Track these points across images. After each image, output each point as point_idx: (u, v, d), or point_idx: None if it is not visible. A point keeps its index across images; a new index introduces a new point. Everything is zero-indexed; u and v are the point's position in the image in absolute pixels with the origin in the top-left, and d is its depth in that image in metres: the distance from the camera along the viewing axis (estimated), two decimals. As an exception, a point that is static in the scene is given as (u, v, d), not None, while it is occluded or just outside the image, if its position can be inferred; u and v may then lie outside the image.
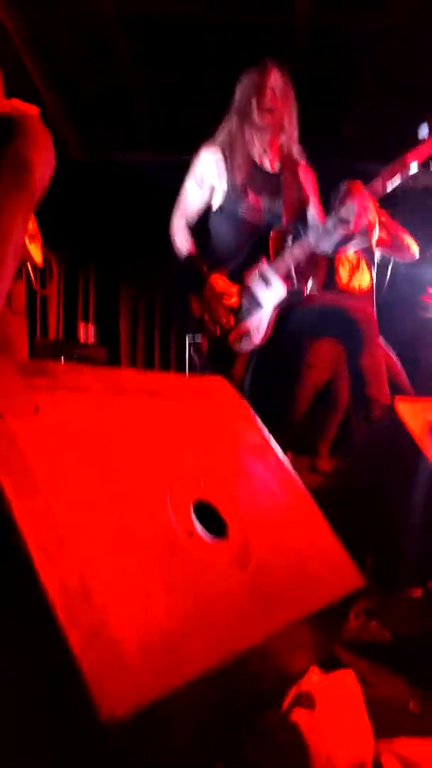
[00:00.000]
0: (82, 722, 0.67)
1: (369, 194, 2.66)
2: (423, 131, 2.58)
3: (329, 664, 1.16)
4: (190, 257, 2.96)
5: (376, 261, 4.05)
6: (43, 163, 1.56)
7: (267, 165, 2.95)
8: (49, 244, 2.22)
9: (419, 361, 4.24)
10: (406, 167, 2.57)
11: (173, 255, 3.07)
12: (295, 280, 2.86)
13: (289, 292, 2.81)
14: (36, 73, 4.78)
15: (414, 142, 2.58)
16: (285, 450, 1.39)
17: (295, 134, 2.92)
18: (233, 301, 2.84)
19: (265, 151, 2.91)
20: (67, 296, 6.76)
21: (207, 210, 3.04)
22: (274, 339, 2.86)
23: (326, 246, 2.87)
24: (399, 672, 1.25)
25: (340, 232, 2.76)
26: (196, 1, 4.21)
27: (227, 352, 2.92)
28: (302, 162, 3.00)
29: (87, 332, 6.51)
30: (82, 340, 6.38)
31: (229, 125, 2.91)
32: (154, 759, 0.76)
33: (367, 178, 2.71)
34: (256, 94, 2.80)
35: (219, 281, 2.85)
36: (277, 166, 2.96)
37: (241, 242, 2.92)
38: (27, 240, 1.88)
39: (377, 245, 4.02)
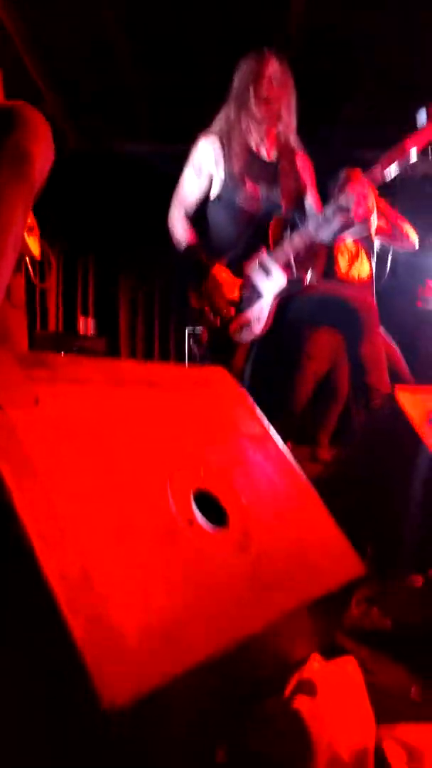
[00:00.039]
0: (83, 710, 0.68)
1: (368, 181, 2.64)
2: (421, 118, 2.56)
3: (330, 651, 1.17)
4: (190, 247, 2.95)
5: (375, 250, 4.05)
6: (42, 155, 1.55)
7: (264, 154, 2.94)
8: (47, 237, 2.22)
9: (419, 351, 4.25)
10: (406, 154, 2.55)
11: (172, 246, 3.06)
12: (294, 270, 2.86)
13: (289, 282, 2.81)
14: (34, 66, 4.77)
15: (413, 128, 2.56)
16: (285, 440, 1.39)
17: (293, 123, 2.90)
18: (234, 291, 2.83)
19: (262, 140, 2.91)
20: (66, 289, 6.75)
21: (205, 200, 3.03)
22: (275, 329, 2.86)
23: (326, 234, 2.86)
24: (400, 659, 1.26)
25: (339, 220, 2.75)
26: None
27: (227, 342, 2.91)
28: (300, 151, 2.99)
29: (87, 325, 6.51)
30: (81, 333, 6.38)
31: (226, 113, 2.90)
32: (154, 746, 0.77)
33: (365, 167, 2.72)
34: (253, 83, 2.79)
35: (221, 272, 2.84)
36: (274, 154, 2.96)
37: (239, 232, 2.92)
38: (25, 233, 1.88)
39: (376, 234, 4.02)
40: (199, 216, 3.06)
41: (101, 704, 0.65)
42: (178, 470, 1.02)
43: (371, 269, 4.01)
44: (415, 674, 1.21)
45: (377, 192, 3.21)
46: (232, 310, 2.85)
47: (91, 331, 6.46)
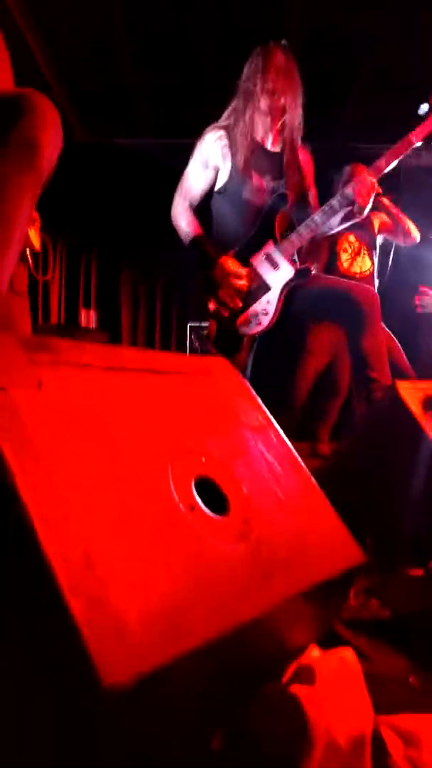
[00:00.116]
0: (83, 690, 0.68)
1: (372, 173, 2.71)
2: (423, 109, 2.63)
3: (329, 641, 1.17)
4: (196, 239, 2.93)
5: (377, 246, 4.06)
6: (51, 143, 1.54)
7: (270, 146, 2.95)
8: (51, 229, 2.22)
9: (420, 346, 4.25)
10: (410, 147, 2.64)
11: (176, 239, 3.05)
12: (302, 261, 2.88)
13: (297, 273, 2.81)
14: (41, 58, 4.78)
15: (416, 121, 2.64)
16: (285, 435, 1.39)
17: (299, 117, 2.91)
18: (242, 283, 2.82)
19: (267, 132, 2.93)
20: (68, 282, 6.75)
21: (209, 193, 3.03)
22: (278, 321, 2.86)
23: (332, 226, 2.87)
24: (399, 649, 1.26)
25: (344, 212, 2.78)
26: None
27: (234, 336, 2.90)
28: (302, 145, 3.00)
29: (88, 318, 6.51)
30: (83, 325, 6.38)
31: (234, 106, 2.92)
32: (154, 727, 0.77)
33: (367, 163, 2.79)
34: (260, 75, 2.82)
35: (229, 263, 2.83)
36: (278, 147, 2.97)
37: (245, 225, 2.91)
38: None
39: (379, 230, 4.03)
40: (201, 210, 3.05)
41: (101, 684, 0.66)
42: (180, 456, 1.02)
43: (373, 265, 4.02)
44: (414, 663, 1.21)
45: (381, 189, 3.27)
46: (239, 301, 2.84)
47: (92, 323, 6.47)
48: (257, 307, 2.85)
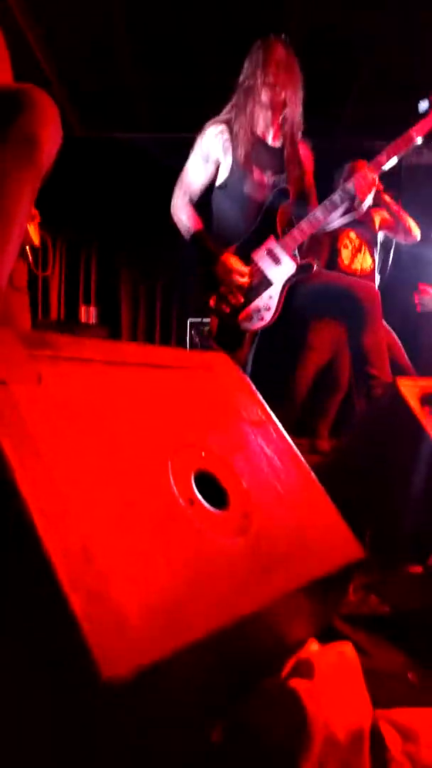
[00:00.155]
0: (83, 683, 0.68)
1: (373, 168, 2.73)
2: (423, 106, 2.67)
3: (328, 635, 1.17)
4: (196, 234, 2.92)
5: (378, 243, 4.06)
6: (50, 138, 1.54)
7: (270, 140, 2.95)
8: (51, 225, 2.22)
9: (421, 344, 4.26)
10: (411, 143, 2.67)
11: (176, 235, 3.05)
12: (303, 257, 2.88)
13: (298, 269, 2.81)
14: (41, 55, 4.78)
15: (416, 118, 2.67)
16: (285, 430, 1.39)
17: (299, 111, 2.92)
18: (244, 280, 2.81)
19: (268, 126, 2.93)
20: (68, 278, 6.76)
21: (209, 188, 3.02)
22: (279, 317, 2.86)
23: (333, 220, 2.88)
24: (398, 644, 1.27)
25: (346, 207, 2.80)
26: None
27: (236, 331, 2.90)
28: (302, 140, 3.00)
29: (88, 314, 6.51)
30: (83, 321, 6.38)
31: (235, 101, 2.92)
32: (154, 720, 0.77)
33: (368, 159, 2.80)
34: (260, 69, 2.83)
35: (231, 259, 2.83)
36: (279, 141, 2.97)
37: (246, 220, 2.90)
38: None
39: (380, 227, 4.03)
40: (201, 205, 3.05)
41: (101, 677, 0.66)
42: (180, 451, 1.03)
43: (374, 262, 4.03)
44: (413, 660, 1.21)
45: (383, 186, 3.30)
46: (241, 297, 2.84)
47: (92, 319, 6.46)
48: (259, 302, 2.85)
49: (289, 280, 2.82)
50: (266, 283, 2.84)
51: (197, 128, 2.98)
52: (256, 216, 2.88)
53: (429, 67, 4.13)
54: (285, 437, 1.32)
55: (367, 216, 4.01)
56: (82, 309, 6.55)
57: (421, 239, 3.95)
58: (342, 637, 1.19)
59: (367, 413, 2.40)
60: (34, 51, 4.68)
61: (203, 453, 1.08)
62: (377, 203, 3.93)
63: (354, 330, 2.72)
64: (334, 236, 3.93)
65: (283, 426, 1.36)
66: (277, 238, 2.85)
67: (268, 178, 2.92)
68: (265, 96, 2.84)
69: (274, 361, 3.31)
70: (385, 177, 3.00)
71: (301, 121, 2.94)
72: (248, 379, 1.42)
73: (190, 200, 3.00)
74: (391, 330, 3.41)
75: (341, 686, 0.97)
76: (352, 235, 3.98)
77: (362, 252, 3.99)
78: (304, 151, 3.03)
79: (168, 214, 3.05)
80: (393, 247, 4.03)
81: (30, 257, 2.04)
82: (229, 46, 2.94)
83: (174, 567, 0.83)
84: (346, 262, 3.95)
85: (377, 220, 4.04)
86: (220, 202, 3.01)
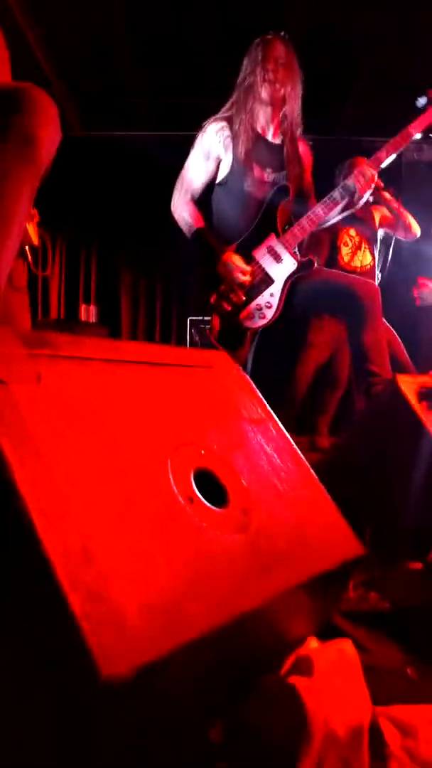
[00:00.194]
0: (83, 682, 0.68)
1: (372, 164, 2.77)
2: (421, 102, 2.76)
3: (328, 632, 1.18)
4: (198, 232, 2.92)
5: (378, 240, 4.06)
6: (49, 137, 1.54)
7: (271, 137, 2.96)
8: (50, 224, 2.21)
9: (420, 341, 4.26)
10: (410, 138, 2.73)
11: (176, 233, 3.04)
12: (304, 254, 2.89)
13: (300, 265, 2.82)
14: (40, 54, 4.78)
15: (415, 114, 2.73)
16: (285, 429, 1.39)
17: (298, 108, 2.93)
18: (246, 277, 2.81)
19: (268, 122, 2.94)
20: (68, 277, 6.76)
21: (210, 185, 3.02)
22: (280, 315, 2.86)
23: (333, 217, 2.88)
24: (397, 640, 1.27)
25: (346, 202, 2.82)
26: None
27: (238, 330, 2.89)
28: (301, 138, 3.01)
29: (88, 313, 6.51)
30: (83, 319, 6.38)
31: (234, 98, 2.93)
32: (154, 718, 0.77)
33: (368, 157, 2.84)
34: (259, 66, 2.83)
35: (233, 257, 2.82)
36: (279, 138, 2.98)
37: (246, 217, 2.90)
38: None
39: (380, 224, 4.04)
40: (200, 203, 3.05)
41: (100, 676, 0.66)
42: (179, 449, 1.03)
43: (373, 259, 4.03)
44: (412, 656, 1.22)
45: (383, 183, 3.33)
46: (243, 296, 2.84)
47: (92, 318, 6.46)
48: (261, 300, 2.85)
49: (290, 277, 2.82)
50: (267, 281, 2.84)
51: (197, 127, 2.98)
52: (257, 213, 2.88)
53: (429, 67, 4.13)
54: (285, 435, 1.32)
55: (367, 213, 4.01)
56: (82, 308, 6.56)
57: (421, 236, 3.96)
58: (342, 634, 1.19)
59: (366, 410, 2.41)
60: (33, 50, 4.68)
61: (203, 451, 1.08)
62: (377, 201, 3.93)
63: (354, 327, 2.72)
64: (334, 233, 3.93)
65: (284, 423, 1.36)
66: (277, 235, 2.85)
67: (268, 175, 2.92)
68: (264, 93, 2.84)
69: (275, 358, 3.31)
70: (385, 174, 3.02)
71: (300, 118, 2.94)
72: (248, 377, 1.42)
73: (192, 198, 2.99)
74: (391, 327, 3.41)
75: (341, 683, 0.98)
76: (352, 232, 3.99)
77: (362, 249, 3.99)
78: (304, 149, 3.04)
79: (168, 213, 3.05)
80: (392, 244, 4.03)
81: (29, 257, 2.04)
82: (229, 45, 2.94)
83: (174, 565, 0.84)
84: (346, 259, 3.95)
85: (377, 218, 4.05)
86: (220, 199, 3.01)
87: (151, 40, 4.68)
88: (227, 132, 2.89)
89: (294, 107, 2.91)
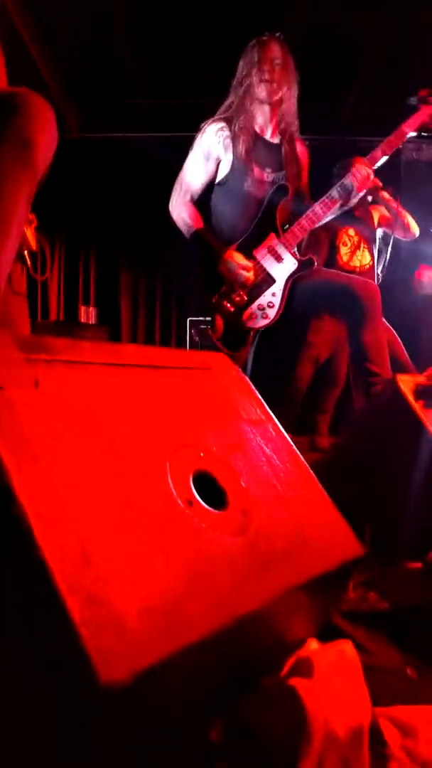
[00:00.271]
0: (82, 687, 0.69)
1: (368, 163, 2.82)
2: (412, 101, 2.82)
3: (328, 633, 1.18)
4: (198, 232, 2.92)
5: (377, 239, 4.06)
6: (46, 141, 1.54)
7: (269, 137, 2.98)
8: (49, 226, 2.22)
9: (420, 341, 4.26)
10: (404, 136, 2.80)
11: (176, 234, 3.04)
12: (304, 253, 2.90)
13: (300, 264, 2.83)
14: (38, 54, 4.77)
15: (407, 113, 2.81)
16: (285, 429, 1.40)
17: (294, 108, 2.95)
18: (249, 274, 2.81)
19: (267, 122, 2.95)
20: (67, 279, 6.76)
21: (209, 186, 3.03)
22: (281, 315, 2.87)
23: (332, 215, 2.89)
24: (397, 641, 1.27)
25: (344, 200, 2.85)
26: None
27: (241, 330, 2.89)
28: (299, 137, 3.02)
29: (88, 315, 6.51)
30: (83, 321, 6.39)
31: (232, 98, 2.94)
32: (154, 721, 0.78)
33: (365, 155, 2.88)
34: (256, 67, 2.85)
35: (234, 254, 2.83)
36: (278, 137, 2.99)
37: (246, 217, 2.91)
38: None
39: (379, 224, 4.04)
40: (199, 203, 3.05)
41: (99, 681, 0.66)
42: (178, 452, 1.03)
43: (372, 259, 4.03)
44: (412, 656, 1.22)
45: (380, 181, 3.35)
46: (245, 296, 2.84)
47: (92, 320, 6.46)
48: (263, 300, 2.85)
49: (291, 276, 2.84)
50: (269, 281, 2.85)
51: (196, 128, 2.99)
52: (256, 213, 2.89)
53: (429, 67, 4.13)
54: (284, 436, 1.32)
55: (366, 213, 4.01)
56: (82, 310, 6.56)
57: (420, 235, 3.96)
58: (342, 635, 1.19)
59: (366, 410, 2.41)
60: (30, 51, 4.67)
61: (202, 453, 1.08)
62: (376, 200, 3.93)
63: (354, 327, 2.73)
64: (333, 233, 3.94)
65: (284, 423, 1.36)
66: (277, 235, 2.86)
67: (267, 175, 2.93)
68: (262, 93, 2.86)
69: (274, 358, 3.31)
70: (384, 174, 3.05)
71: (296, 118, 2.96)
72: (247, 378, 1.43)
73: (191, 199, 2.99)
74: (391, 327, 3.41)
75: (341, 684, 0.98)
76: (351, 232, 3.99)
77: (361, 249, 3.99)
78: (301, 149, 3.06)
79: (166, 214, 3.05)
80: (390, 243, 4.03)
81: (29, 262, 2.04)
82: (230, 45, 2.94)
83: (173, 568, 0.84)
84: (345, 259, 3.96)
85: (376, 217, 4.05)
86: (219, 199, 3.01)
87: (150, 40, 4.67)
88: (227, 132, 2.90)
89: (291, 107, 2.94)
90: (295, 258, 2.83)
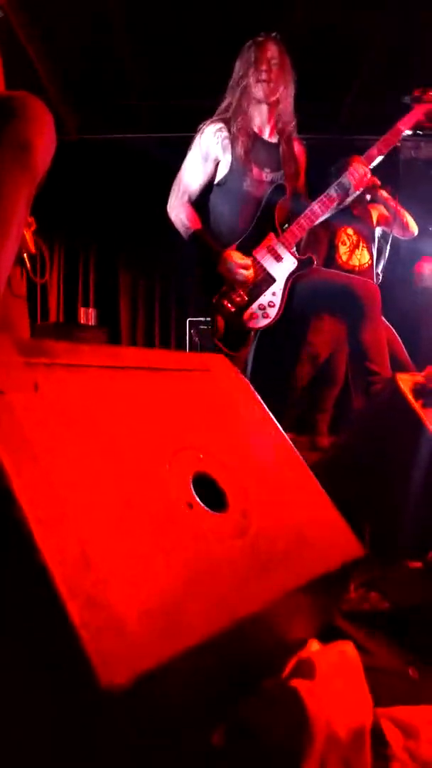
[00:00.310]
0: (82, 690, 0.69)
1: (365, 162, 2.85)
2: (406, 100, 2.88)
3: (329, 634, 1.18)
4: (196, 233, 2.92)
5: (376, 238, 4.06)
6: (44, 145, 1.55)
7: (267, 137, 2.99)
8: (48, 227, 2.22)
9: (420, 340, 4.26)
10: (400, 134, 2.85)
11: (174, 235, 3.05)
12: (303, 251, 2.91)
13: (300, 263, 2.84)
14: (36, 56, 4.77)
15: (402, 112, 2.87)
16: (285, 429, 1.40)
17: (291, 107, 2.97)
18: (249, 272, 2.81)
19: (265, 123, 2.97)
20: (67, 281, 6.77)
21: (207, 187, 3.03)
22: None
23: (329, 213, 2.90)
24: (398, 641, 1.27)
25: (341, 199, 2.88)
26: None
27: (242, 330, 2.90)
28: (296, 137, 3.03)
29: (87, 316, 6.52)
30: (82, 322, 6.40)
31: (229, 99, 2.96)
32: (154, 725, 0.78)
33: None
34: (253, 68, 2.87)
35: (233, 254, 2.83)
36: (276, 137, 3.01)
37: (245, 217, 2.92)
38: None
39: (377, 222, 4.04)
40: (197, 204, 3.05)
41: (100, 685, 0.66)
42: (178, 454, 1.03)
43: (371, 258, 4.03)
44: (413, 656, 1.22)
45: (379, 180, 3.37)
46: (246, 296, 2.85)
47: (92, 321, 6.47)
48: (263, 300, 2.86)
49: (291, 275, 2.85)
50: (269, 280, 2.86)
51: (195, 129, 2.99)
52: (255, 212, 2.90)
53: (429, 67, 4.14)
54: (283, 437, 1.32)
55: (365, 212, 4.01)
56: (81, 311, 6.57)
57: (419, 233, 3.96)
58: (343, 636, 1.19)
59: (366, 409, 2.41)
60: (28, 52, 4.67)
61: (201, 455, 1.08)
62: (375, 199, 3.93)
63: (353, 326, 2.73)
64: (332, 232, 3.94)
65: (284, 423, 1.37)
66: (276, 234, 2.86)
67: (266, 174, 2.95)
68: (260, 93, 2.88)
69: (275, 358, 3.31)
70: (382, 172, 3.07)
71: (294, 117, 2.98)
72: (246, 379, 1.43)
73: (189, 200, 3.00)
74: (390, 326, 3.42)
75: (342, 685, 0.98)
76: (350, 231, 3.99)
77: (360, 248, 3.99)
78: (299, 148, 3.08)
79: (166, 215, 3.05)
80: (389, 242, 4.03)
81: (28, 265, 2.04)
82: (230, 45, 2.95)
83: (173, 571, 0.84)
84: (344, 258, 3.96)
85: (375, 216, 4.05)
86: (218, 199, 3.02)
87: (150, 40, 4.67)
88: (225, 133, 2.91)
89: (288, 106, 2.96)
90: (295, 257, 2.84)
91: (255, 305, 2.86)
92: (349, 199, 2.92)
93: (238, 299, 2.83)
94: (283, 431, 1.34)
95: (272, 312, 2.85)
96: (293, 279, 2.85)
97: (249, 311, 2.86)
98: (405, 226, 3.90)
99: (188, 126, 3.07)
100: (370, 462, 1.83)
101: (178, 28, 4.56)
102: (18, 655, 0.80)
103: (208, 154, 2.95)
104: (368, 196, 3.90)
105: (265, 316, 2.86)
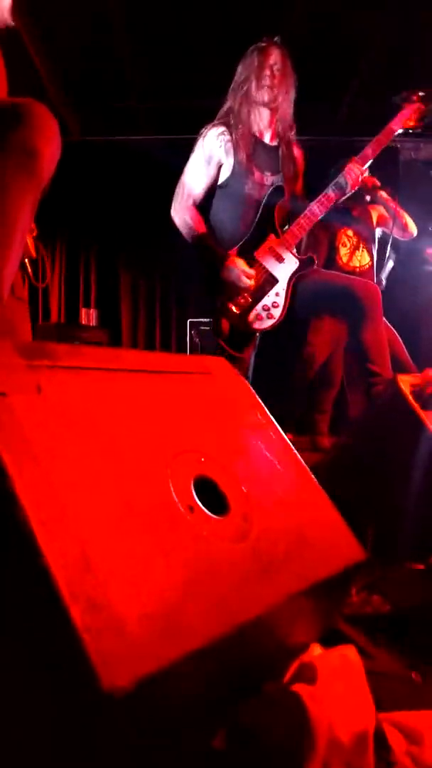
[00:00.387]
0: (83, 693, 0.69)
1: (360, 162, 2.91)
2: (397, 100, 2.97)
3: (331, 638, 1.18)
4: (201, 237, 2.93)
5: (376, 239, 4.06)
6: (50, 151, 1.55)
7: (268, 140, 3.01)
8: (50, 229, 2.22)
9: (421, 341, 4.26)
10: (392, 134, 2.93)
11: (176, 237, 3.05)
12: (304, 251, 2.92)
13: (302, 263, 2.85)
14: (38, 58, 4.77)
15: (394, 112, 2.95)
16: (286, 430, 1.40)
17: (290, 112, 2.99)
18: (251, 282, 2.82)
19: (266, 126, 2.99)
20: (68, 282, 6.78)
21: (210, 190, 3.04)
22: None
23: (327, 213, 2.92)
24: (401, 645, 1.27)
25: (338, 197, 2.91)
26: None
27: (246, 332, 2.90)
28: (294, 141, 3.04)
29: (89, 317, 6.52)
30: (83, 323, 6.40)
31: (230, 103, 2.97)
32: (156, 728, 0.77)
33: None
34: (255, 71, 2.90)
35: (238, 261, 2.83)
36: (276, 140, 3.03)
37: (246, 220, 2.92)
38: None
39: (377, 223, 4.04)
40: (200, 207, 3.06)
41: (101, 688, 0.66)
42: (179, 457, 1.03)
43: (371, 259, 4.03)
44: (416, 660, 1.21)
45: (378, 180, 3.39)
46: (250, 299, 2.85)
47: (93, 322, 6.47)
48: (267, 301, 2.86)
49: (293, 275, 2.85)
50: (272, 281, 2.86)
51: (196, 130, 3.00)
52: (255, 215, 2.90)
53: (429, 67, 4.14)
54: (284, 440, 1.32)
55: (365, 213, 4.01)
56: (83, 312, 6.57)
57: (418, 234, 3.96)
58: (345, 640, 1.19)
59: (367, 410, 2.41)
60: (30, 53, 4.67)
61: (202, 458, 1.08)
62: (374, 200, 3.93)
63: (354, 327, 2.74)
64: (332, 234, 3.94)
65: (284, 425, 1.36)
66: (276, 235, 2.87)
67: (267, 177, 2.96)
68: (262, 97, 2.90)
69: (276, 359, 3.31)
70: (382, 173, 3.09)
71: (292, 121, 3.00)
72: (247, 381, 1.42)
73: (193, 203, 3.01)
74: (391, 326, 3.41)
75: (344, 689, 0.98)
76: (350, 233, 3.99)
77: (360, 249, 3.99)
78: (298, 152, 3.11)
79: (166, 215, 3.05)
80: (389, 244, 4.03)
81: (29, 269, 2.05)
82: (230, 46, 2.96)
83: (174, 574, 0.84)
84: (345, 259, 3.96)
85: (374, 217, 4.05)
86: (220, 202, 3.03)
87: (150, 41, 4.67)
88: (227, 137, 2.92)
89: (288, 110, 2.98)
90: (296, 257, 2.85)
91: (259, 306, 2.86)
92: (345, 197, 2.95)
93: (242, 301, 2.84)
94: (283, 433, 1.34)
95: (276, 312, 2.86)
96: (296, 278, 2.86)
97: (253, 312, 2.86)
98: (404, 227, 3.90)
99: (188, 127, 3.08)
100: (371, 463, 1.83)
101: (178, 29, 4.55)
102: (19, 656, 0.79)
103: (211, 157, 2.96)
104: (368, 198, 3.91)
105: (270, 316, 2.86)
